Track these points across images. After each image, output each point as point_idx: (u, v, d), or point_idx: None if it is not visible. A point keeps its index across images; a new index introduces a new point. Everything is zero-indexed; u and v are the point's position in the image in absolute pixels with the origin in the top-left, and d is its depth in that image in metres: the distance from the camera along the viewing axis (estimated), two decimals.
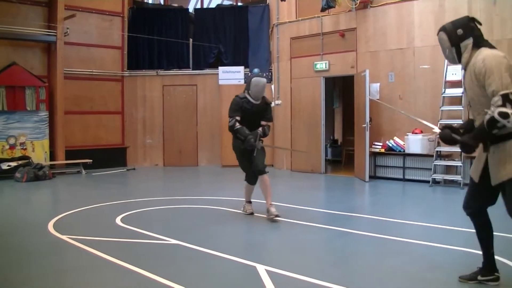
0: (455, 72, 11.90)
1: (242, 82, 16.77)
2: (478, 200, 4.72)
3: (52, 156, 15.22)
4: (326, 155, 16.06)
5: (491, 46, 4.48)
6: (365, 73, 12.76)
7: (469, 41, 4.49)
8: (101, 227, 7.71)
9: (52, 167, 14.94)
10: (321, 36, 14.88)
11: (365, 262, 5.69)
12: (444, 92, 12.04)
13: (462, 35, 4.51)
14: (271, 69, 16.90)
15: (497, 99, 4.10)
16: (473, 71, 4.40)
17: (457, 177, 11.72)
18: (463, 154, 11.54)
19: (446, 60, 11.70)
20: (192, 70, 17.92)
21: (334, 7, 13.84)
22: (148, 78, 17.75)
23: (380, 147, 13.22)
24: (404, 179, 12.78)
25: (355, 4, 13.77)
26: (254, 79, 8.31)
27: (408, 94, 12.98)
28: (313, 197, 11.13)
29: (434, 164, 11.99)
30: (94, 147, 16.52)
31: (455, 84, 11.93)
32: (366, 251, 6.18)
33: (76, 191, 12.30)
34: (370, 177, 13.01)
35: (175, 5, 19.80)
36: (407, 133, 12.59)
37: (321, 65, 14.81)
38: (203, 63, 17.93)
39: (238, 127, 8.21)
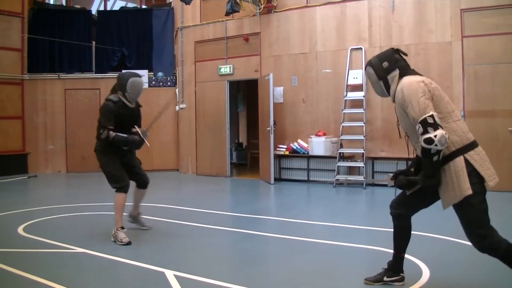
0: (356, 76, 12.33)
1: (146, 86, 16.62)
2: (406, 207, 4.72)
3: None
4: (231, 159, 16.16)
5: (415, 73, 4.54)
6: (269, 77, 12.95)
7: (395, 73, 4.53)
8: (2, 238, 7.44)
9: None
10: (225, 40, 14.98)
11: (272, 263, 5.80)
12: (346, 95, 12.41)
13: (388, 68, 4.55)
14: (176, 73, 16.85)
15: (418, 127, 4.15)
16: (398, 103, 4.46)
17: (360, 178, 12.10)
18: (364, 155, 11.93)
19: (347, 64, 12.14)
20: (95, 73, 17.57)
21: (239, 12, 13.94)
22: (49, 81, 17.25)
23: (284, 149, 13.43)
24: (308, 181, 13.05)
25: (259, 9, 13.93)
26: (131, 79, 7.27)
27: (311, 97, 13.28)
28: (219, 201, 11.18)
29: (337, 166, 12.32)
30: None
31: (356, 87, 12.34)
32: (272, 252, 6.29)
33: None
34: (275, 179, 13.20)
35: (78, 6, 19.36)
36: (311, 136, 12.87)
37: (225, 69, 14.91)
38: (106, 66, 17.61)
39: (113, 135, 7.18)
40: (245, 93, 18.19)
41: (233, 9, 13.74)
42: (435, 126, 4.05)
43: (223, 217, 9.06)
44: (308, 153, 13.01)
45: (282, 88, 13.73)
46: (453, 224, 4.72)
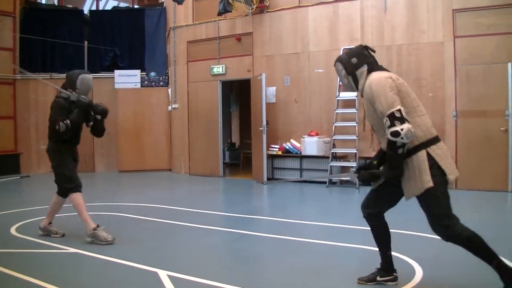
0: None
1: (139, 85, 16.65)
2: (377, 205, 4.83)
3: None
4: (224, 159, 16.18)
5: (383, 69, 4.66)
6: (261, 77, 12.96)
7: (364, 68, 4.63)
8: None
9: None
10: (218, 40, 14.98)
11: (265, 263, 5.80)
12: (338, 95, 12.42)
13: (357, 63, 4.64)
14: (168, 73, 16.84)
15: (385, 121, 4.26)
16: (366, 98, 4.57)
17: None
18: (357, 155, 11.95)
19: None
20: None
21: (231, 11, 13.94)
22: (42, 81, 17.19)
23: (277, 149, 13.44)
24: (301, 181, 13.06)
25: (252, 9, 13.93)
26: (82, 75, 7.27)
27: (304, 97, 13.30)
28: (212, 201, 11.19)
29: (330, 165, 12.33)
30: None
31: None
32: (266, 252, 6.30)
33: None
34: (268, 179, 13.22)
35: (70, 6, 19.32)
36: (304, 136, 12.89)
37: (218, 68, 14.91)
38: (99, 66, 17.57)
39: (67, 121, 7.00)
40: (238, 93, 18.22)
41: (225, 9, 13.73)
42: (402, 120, 4.18)
43: (216, 217, 9.07)
44: (301, 153, 13.03)
45: (274, 88, 13.75)
46: None
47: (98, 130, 7.57)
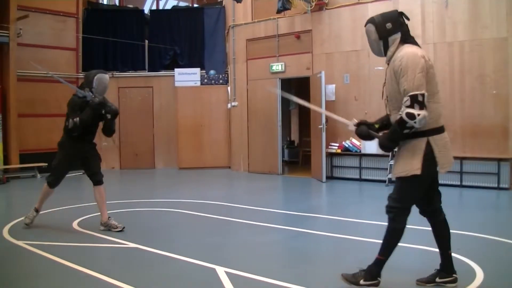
0: None
1: (199, 84, 16.78)
2: (423, 200, 4.80)
3: (6, 160, 14.88)
4: (283, 156, 16.13)
5: (415, 43, 4.60)
6: (320, 74, 12.87)
7: (397, 36, 4.57)
8: (58, 232, 7.60)
9: (6, 171, 14.63)
10: (277, 38, 14.95)
11: (322, 262, 5.75)
12: None
13: (391, 29, 4.57)
14: (227, 71, 16.91)
15: (406, 99, 4.24)
16: (392, 68, 4.50)
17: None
18: None
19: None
20: (148, 72, 17.79)
21: (290, 9, 13.91)
22: None
23: (336, 147, 13.35)
24: (360, 179, 12.94)
25: (311, 6, 13.86)
26: (98, 75, 7.45)
27: (363, 95, 13.16)
28: (271, 198, 11.18)
29: (390, 164, 12.15)
30: (49, 150, 16.10)
31: None
32: (323, 251, 6.25)
33: (31, 196, 11.98)
34: (327, 177, 13.12)
35: (131, 6, 19.62)
36: None
37: (277, 66, 14.89)
38: (159, 64, 17.80)
39: (76, 119, 7.25)
40: (297, 91, 18.14)
41: (284, 7, 13.71)
42: (422, 106, 4.20)
43: (274, 214, 9.04)
44: (360, 151, 12.90)
45: (334, 85, 13.64)
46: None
47: (107, 130, 7.68)
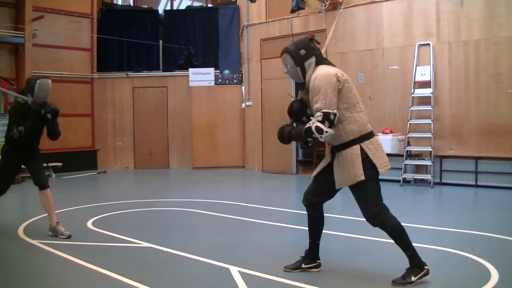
0: (424, 72, 12.06)
1: (213, 83, 16.80)
2: (317, 195, 5.23)
3: None
4: (297, 156, 16.11)
5: (329, 63, 4.94)
6: None
7: (312, 60, 4.86)
8: (73, 231, 7.60)
9: (21, 171, 14.68)
10: (291, 38, 14.92)
11: (336, 262, 5.72)
12: (413, 92, 12.19)
13: (305, 55, 4.84)
14: (241, 71, 16.92)
15: (319, 115, 4.55)
16: (310, 88, 4.78)
17: (427, 176, 11.85)
18: (432, 153, 11.68)
19: (415, 60, 11.91)
20: (162, 71, 17.84)
21: (304, 9, 13.89)
22: (118, 80, 17.62)
23: None
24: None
25: (325, 6, 13.83)
26: (39, 81, 7.13)
27: (378, 94, 13.10)
28: (285, 198, 11.17)
29: (404, 164, 12.11)
30: (64, 150, 16.29)
31: (424, 84, 12.08)
32: (336, 251, 6.23)
33: None
34: None
35: (145, 6, 19.70)
36: (377, 133, 12.68)
37: None
38: (173, 64, 17.85)
39: (21, 128, 6.94)
40: None
41: (298, 6, 13.69)
42: (331, 124, 4.56)
43: (289, 214, 9.03)
44: None
45: None
46: None
47: (51, 133, 7.43)
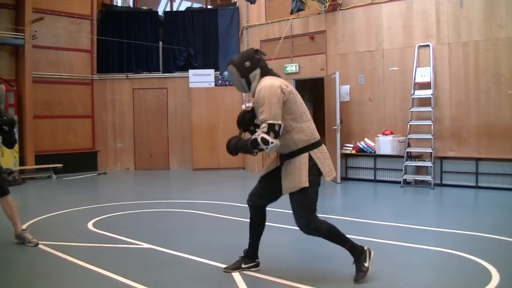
0: (424, 74, 12.06)
1: (213, 85, 16.81)
2: (262, 197, 5.38)
3: (22, 161, 14.99)
4: None
5: (274, 74, 5.02)
6: (335, 75, 12.82)
7: (257, 72, 4.96)
8: (73, 232, 7.65)
9: (21, 172, 14.74)
10: (290, 39, 14.94)
11: (336, 262, 5.72)
12: (413, 93, 12.18)
13: (250, 67, 4.94)
14: None
15: (264, 126, 4.64)
16: (255, 99, 4.87)
17: (428, 178, 11.83)
18: (433, 154, 11.67)
19: (415, 61, 11.91)
20: (162, 73, 17.87)
21: (304, 10, 13.88)
22: (118, 81, 17.65)
23: (351, 148, 13.30)
24: (375, 180, 12.87)
25: (324, 7, 13.85)
26: None
27: (378, 95, 13.10)
28: (285, 199, 11.12)
29: (405, 165, 12.11)
30: (64, 151, 16.33)
31: (424, 85, 12.07)
32: (338, 252, 6.21)
33: (47, 196, 12.18)
34: (342, 178, 13.08)
35: (145, 8, 19.72)
36: (378, 135, 12.69)
37: (291, 67, 14.87)
38: (173, 66, 17.87)
39: None
40: (312, 92, 18.10)
41: (298, 8, 13.68)
42: (277, 135, 4.65)
43: (289, 216, 8.98)
44: (375, 152, 12.84)
45: (348, 86, 13.60)
46: None
47: (7, 142, 7.06)
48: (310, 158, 4.88)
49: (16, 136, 14.07)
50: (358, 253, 5.04)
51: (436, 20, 12.07)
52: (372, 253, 5.07)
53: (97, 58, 17.61)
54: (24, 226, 7.89)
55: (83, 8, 17.22)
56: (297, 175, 4.85)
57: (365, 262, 5.00)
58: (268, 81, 4.84)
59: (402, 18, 12.64)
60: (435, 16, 12.09)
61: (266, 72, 4.99)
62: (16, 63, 15.39)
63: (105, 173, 16.66)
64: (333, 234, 5.04)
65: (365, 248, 5.07)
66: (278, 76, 5.04)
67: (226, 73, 16.94)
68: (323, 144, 5.06)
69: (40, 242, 6.91)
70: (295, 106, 4.85)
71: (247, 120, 5.18)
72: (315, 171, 4.90)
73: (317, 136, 5.01)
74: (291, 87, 4.90)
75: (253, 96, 4.93)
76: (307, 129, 4.91)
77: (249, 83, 4.98)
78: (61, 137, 16.52)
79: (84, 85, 17.23)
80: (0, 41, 14.73)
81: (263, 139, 4.62)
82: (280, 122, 4.66)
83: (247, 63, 4.93)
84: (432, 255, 6.02)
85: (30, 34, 14.99)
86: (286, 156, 4.95)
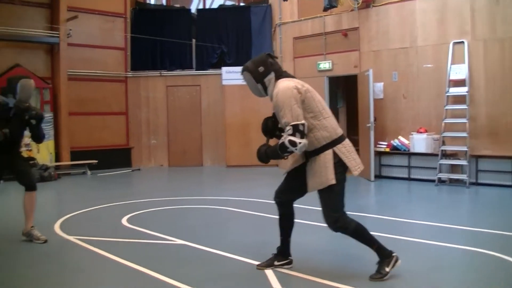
0: (458, 71, 11.90)
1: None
2: (288, 193, 5.34)
3: (57, 157, 15.23)
4: None
5: (288, 76, 5.07)
6: (368, 72, 12.74)
7: (271, 76, 4.99)
8: (107, 228, 7.73)
9: (57, 168, 14.96)
10: (324, 36, 14.88)
11: (370, 261, 5.69)
12: (448, 91, 12.03)
13: (263, 72, 4.98)
14: None
15: (289, 129, 4.67)
16: (273, 104, 4.92)
17: (463, 176, 11.68)
18: (468, 153, 11.51)
19: (449, 58, 11.76)
20: (196, 70, 17.93)
21: (337, 7, 13.83)
22: (152, 78, 17.77)
23: (385, 146, 13.20)
24: (409, 179, 12.76)
25: (358, 4, 13.77)
26: (21, 81, 6.81)
27: (412, 93, 12.97)
28: (315, 196, 11.10)
29: (439, 163, 11.97)
30: (99, 148, 16.51)
31: (458, 83, 11.92)
32: (371, 250, 6.19)
33: (82, 192, 12.33)
34: (376, 176, 12.99)
35: (178, 5, 19.79)
36: (412, 132, 12.57)
37: (325, 64, 14.82)
38: (206, 63, 17.92)
39: (6, 131, 6.60)
40: (345, 89, 18.02)
41: (331, 5, 13.64)
42: (303, 135, 4.67)
43: (320, 213, 8.98)
44: (409, 150, 12.72)
45: (382, 83, 13.50)
46: None
47: (35, 137, 7.13)
48: (335, 155, 4.87)
49: (52, 132, 14.50)
50: (384, 255, 5.03)
51: (471, 16, 11.89)
52: (399, 262, 5.03)
53: (131, 55, 17.76)
54: (60, 221, 8.04)
55: (116, 6, 17.39)
56: (323, 173, 4.85)
57: (387, 267, 4.98)
58: (283, 83, 4.89)
59: (436, 14, 12.48)
60: (470, 12, 11.90)
61: (280, 74, 5.03)
62: (52, 61, 15.61)
63: (139, 169, 16.80)
64: (361, 233, 5.02)
65: (394, 254, 5.05)
66: (293, 76, 5.10)
67: None
68: (346, 139, 5.04)
69: (74, 236, 7.01)
70: (314, 104, 4.89)
71: (271, 127, 5.21)
72: (340, 168, 4.89)
73: (339, 132, 4.99)
74: (307, 86, 4.94)
75: (271, 100, 4.96)
76: (329, 125, 4.92)
77: (265, 88, 5.02)
78: (96, 134, 16.69)
79: (118, 82, 17.38)
80: (36, 39, 14.97)
81: (290, 142, 4.65)
82: (303, 121, 4.69)
83: (261, 68, 4.98)
84: (467, 255, 5.94)
85: (65, 33, 15.19)
86: (311, 154, 4.95)
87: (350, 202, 10.09)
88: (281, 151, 4.78)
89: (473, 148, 11.68)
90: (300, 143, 4.63)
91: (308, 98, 4.84)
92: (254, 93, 5.19)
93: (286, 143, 4.66)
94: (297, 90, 4.78)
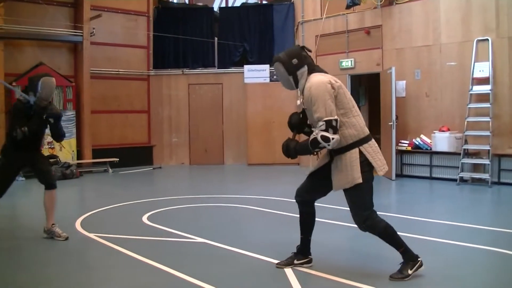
0: (482, 69, 11.77)
1: (268, 80, 16.80)
2: (310, 193, 5.32)
3: (79, 155, 15.35)
4: None
5: (321, 70, 5.03)
6: (391, 70, 12.67)
7: (304, 69, 4.95)
8: (128, 225, 7.78)
9: (79, 166, 15.08)
10: (346, 34, 14.82)
11: (391, 261, 5.65)
12: (472, 89, 11.92)
13: (297, 64, 4.93)
14: None
15: (322, 124, 4.64)
16: (305, 98, 4.90)
17: (485, 175, 11.57)
18: (491, 152, 11.40)
19: (473, 56, 11.65)
20: (218, 68, 17.96)
21: (359, 4, 13.77)
22: (174, 77, 17.83)
23: (406, 145, 13.11)
24: (431, 177, 12.66)
25: (380, 1, 13.70)
26: (43, 79, 6.77)
27: (435, 91, 12.87)
28: (339, 196, 11.05)
29: (462, 162, 11.87)
30: (120, 146, 16.60)
31: (482, 81, 11.80)
32: (392, 250, 6.15)
33: (103, 190, 12.42)
34: (397, 175, 12.92)
35: (200, 4, 19.86)
36: (434, 131, 12.47)
37: (347, 62, 14.76)
38: (229, 61, 17.96)
39: (25, 129, 6.58)
40: (367, 87, 17.93)
41: (354, 2, 13.59)
42: (335, 130, 4.65)
43: (342, 212, 8.90)
44: (431, 149, 12.63)
45: (404, 81, 13.41)
46: None
47: (55, 135, 7.14)
48: (361, 154, 4.84)
49: (74, 130, 14.60)
50: (409, 258, 4.99)
51: (496, 13, 11.76)
52: (423, 267, 5.00)
53: (153, 54, 17.83)
54: (81, 218, 8.10)
55: (139, 5, 17.47)
56: (349, 172, 4.81)
57: (410, 269, 4.94)
58: (317, 78, 4.85)
59: (460, 11, 12.37)
60: (495, 9, 11.77)
61: (313, 68, 5.00)
62: (75, 59, 15.75)
63: (160, 167, 16.88)
64: (389, 234, 4.98)
65: (419, 258, 5.01)
66: (325, 72, 5.04)
67: None
68: (373, 139, 5.00)
69: (94, 234, 7.07)
70: (345, 101, 4.84)
71: (296, 122, 5.25)
72: (366, 167, 4.86)
73: (366, 131, 4.95)
74: (340, 82, 4.89)
75: (302, 93, 4.95)
76: (357, 123, 4.87)
77: (296, 81, 4.97)
78: (118, 132, 16.80)
79: (141, 80, 17.47)
80: (60, 38, 15.11)
81: (323, 137, 4.62)
82: (336, 117, 4.65)
83: (295, 60, 4.92)
84: (487, 255, 5.89)
85: (88, 31, 15.30)
86: (336, 152, 4.89)
87: (373, 200, 10.08)
88: (313, 147, 4.76)
89: (496, 147, 11.56)
90: (333, 138, 4.62)
91: (340, 94, 4.81)
92: (284, 85, 5.16)
93: (319, 138, 4.64)
94: (331, 85, 4.75)
